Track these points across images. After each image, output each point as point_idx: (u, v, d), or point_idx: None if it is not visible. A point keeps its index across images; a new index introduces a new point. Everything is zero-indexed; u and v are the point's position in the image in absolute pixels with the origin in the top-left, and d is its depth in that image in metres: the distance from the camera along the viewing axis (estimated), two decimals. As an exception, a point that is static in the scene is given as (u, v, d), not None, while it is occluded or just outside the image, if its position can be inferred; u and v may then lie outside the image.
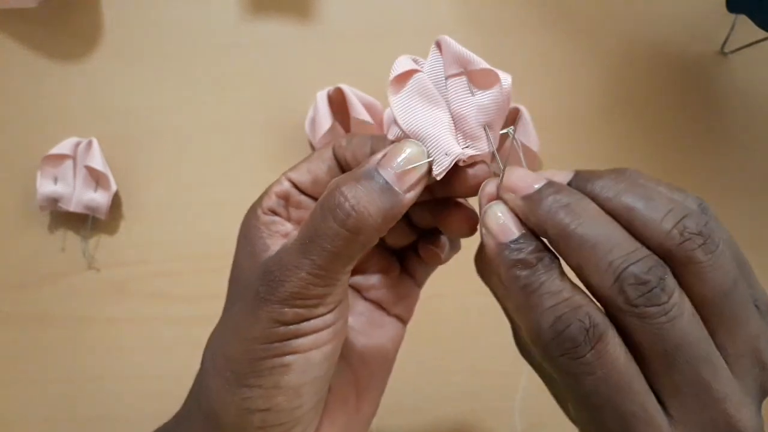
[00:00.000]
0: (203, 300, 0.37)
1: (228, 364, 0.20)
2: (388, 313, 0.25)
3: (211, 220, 0.38)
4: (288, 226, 0.22)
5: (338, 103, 0.36)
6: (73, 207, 0.37)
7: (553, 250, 0.18)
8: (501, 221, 0.18)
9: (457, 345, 0.37)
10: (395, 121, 0.20)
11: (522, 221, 0.18)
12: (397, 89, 0.20)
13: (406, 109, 0.20)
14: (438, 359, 0.37)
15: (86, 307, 0.37)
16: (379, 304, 0.25)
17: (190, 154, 0.39)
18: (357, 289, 0.25)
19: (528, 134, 0.36)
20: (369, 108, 0.35)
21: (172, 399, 0.27)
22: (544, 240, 0.18)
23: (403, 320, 0.25)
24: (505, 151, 0.21)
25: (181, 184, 0.39)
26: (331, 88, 0.36)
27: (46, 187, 0.37)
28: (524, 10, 0.39)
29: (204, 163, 0.39)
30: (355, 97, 0.35)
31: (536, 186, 0.18)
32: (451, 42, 0.20)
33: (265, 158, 0.39)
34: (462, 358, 0.37)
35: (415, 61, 0.21)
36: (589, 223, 0.17)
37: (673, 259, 0.16)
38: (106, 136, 0.38)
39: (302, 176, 0.22)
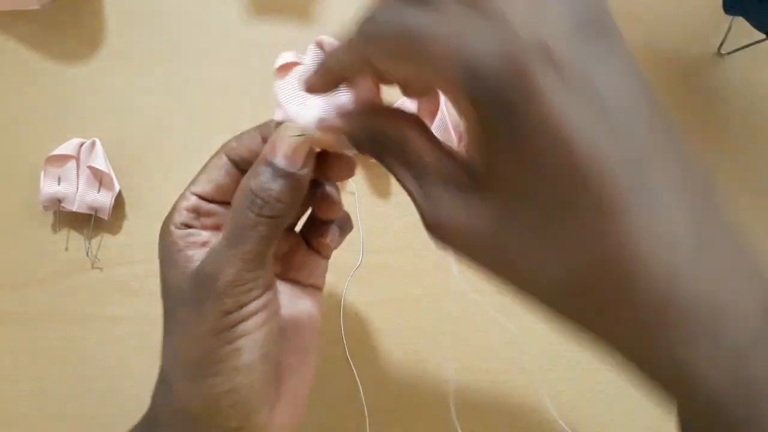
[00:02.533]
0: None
1: (188, 363, 0.22)
2: (305, 285, 0.28)
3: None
4: (204, 235, 0.24)
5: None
6: (76, 207, 0.37)
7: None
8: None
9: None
10: (279, 104, 0.23)
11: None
12: (280, 77, 0.23)
13: (287, 94, 0.24)
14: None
15: (89, 305, 0.37)
16: (295, 281, 0.28)
17: (192, 154, 0.39)
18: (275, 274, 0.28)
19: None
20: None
21: (176, 396, 0.27)
22: None
23: (319, 287, 0.28)
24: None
25: (183, 184, 0.38)
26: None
27: (49, 187, 0.37)
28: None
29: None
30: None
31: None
32: (330, 42, 0.25)
33: (266, 159, 0.39)
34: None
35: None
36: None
37: None
38: (109, 136, 0.39)
39: (204, 187, 0.25)
